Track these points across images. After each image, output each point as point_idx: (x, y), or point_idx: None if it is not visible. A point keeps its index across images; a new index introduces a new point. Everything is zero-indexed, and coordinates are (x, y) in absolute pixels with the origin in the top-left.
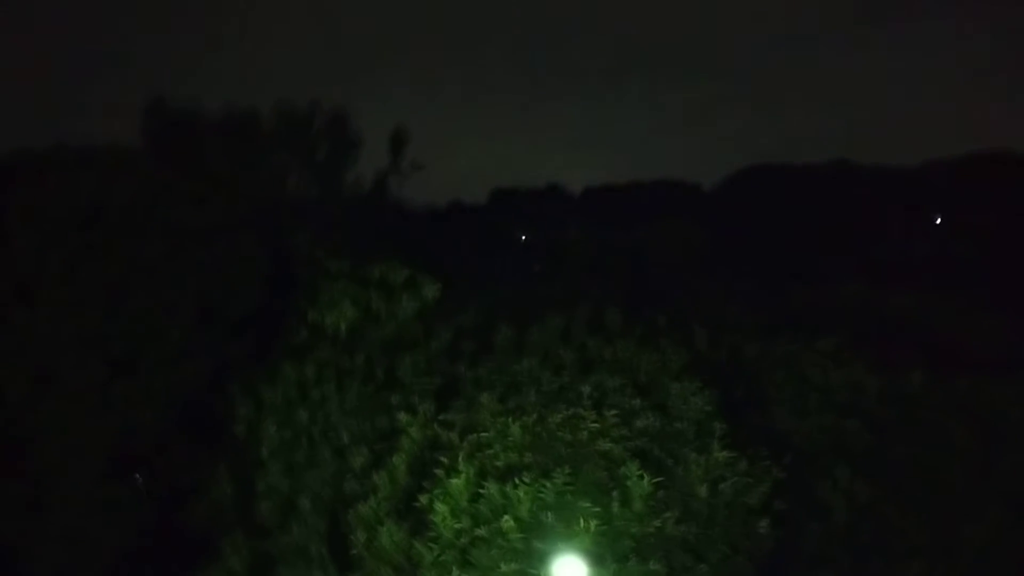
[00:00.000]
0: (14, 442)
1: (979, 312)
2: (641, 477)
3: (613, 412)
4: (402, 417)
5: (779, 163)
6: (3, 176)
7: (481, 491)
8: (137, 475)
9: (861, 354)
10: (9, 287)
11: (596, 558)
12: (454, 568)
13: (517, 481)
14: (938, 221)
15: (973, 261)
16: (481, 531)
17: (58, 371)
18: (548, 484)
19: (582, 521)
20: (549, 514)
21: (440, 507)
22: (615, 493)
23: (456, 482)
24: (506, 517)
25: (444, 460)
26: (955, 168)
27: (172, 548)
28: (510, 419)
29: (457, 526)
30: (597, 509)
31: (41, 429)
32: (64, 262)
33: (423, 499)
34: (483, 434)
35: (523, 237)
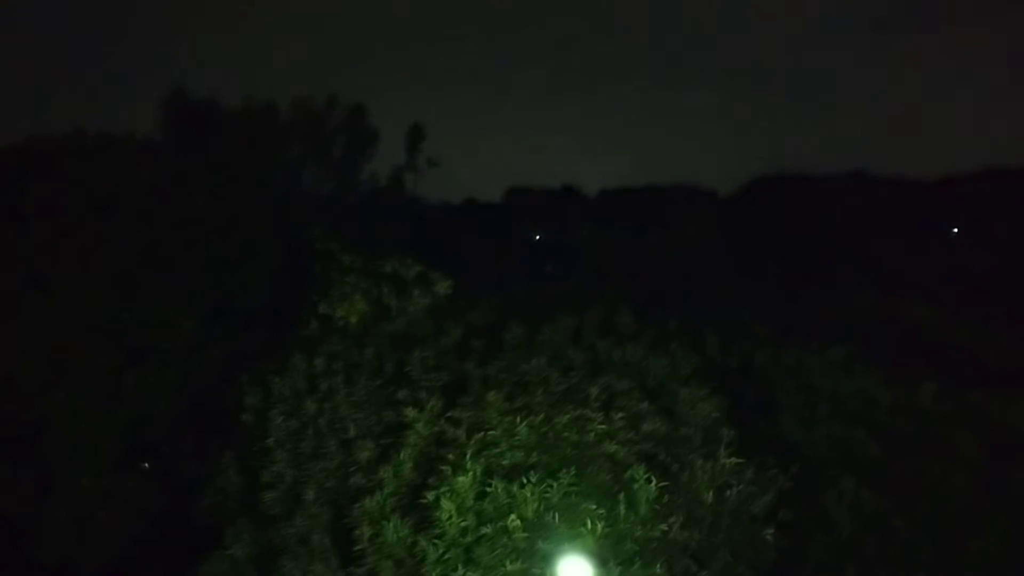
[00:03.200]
0: (27, 428)
1: (993, 324)
2: (648, 481)
3: (620, 415)
4: (409, 412)
5: (796, 172)
6: (20, 162)
7: (487, 489)
8: (145, 463)
9: (872, 365)
10: (25, 274)
11: (600, 560)
12: (458, 566)
13: (523, 480)
14: (954, 232)
15: (988, 273)
16: (486, 530)
17: (71, 359)
18: (554, 485)
19: (587, 523)
20: (554, 515)
21: (446, 504)
22: (621, 496)
23: (462, 480)
24: (512, 516)
25: (451, 457)
26: (972, 181)
27: (179, 536)
28: (517, 418)
29: (462, 524)
30: (602, 511)
31: (53, 416)
32: (80, 251)
33: (429, 496)
34: (490, 432)
35: (537, 237)
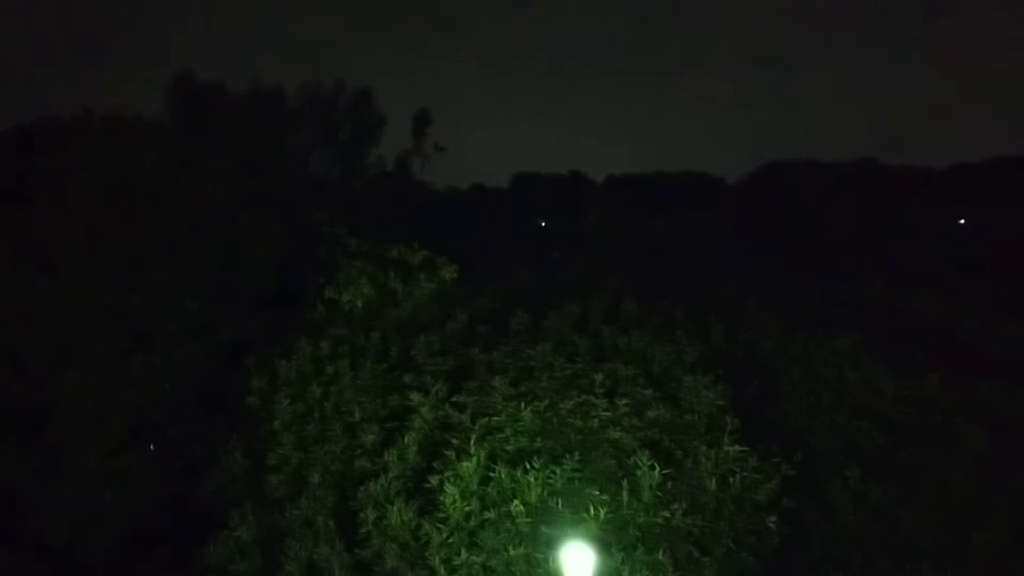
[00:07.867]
0: (33, 410)
1: (1000, 315)
2: (652, 467)
3: (625, 401)
4: (414, 397)
5: (805, 159)
6: (28, 144)
7: (491, 474)
8: (152, 445)
9: (878, 354)
10: (32, 257)
11: (603, 546)
12: (462, 550)
13: (527, 466)
14: (962, 223)
15: (996, 264)
16: (490, 514)
17: (79, 341)
18: (557, 470)
19: (591, 508)
20: (558, 500)
21: (450, 489)
22: (624, 482)
23: (466, 464)
24: (515, 501)
25: (455, 442)
26: (980, 171)
27: (184, 518)
28: (522, 404)
29: (466, 508)
30: (605, 497)
31: (60, 398)
32: (87, 234)
33: (433, 480)
34: (494, 418)
35: (543, 223)
